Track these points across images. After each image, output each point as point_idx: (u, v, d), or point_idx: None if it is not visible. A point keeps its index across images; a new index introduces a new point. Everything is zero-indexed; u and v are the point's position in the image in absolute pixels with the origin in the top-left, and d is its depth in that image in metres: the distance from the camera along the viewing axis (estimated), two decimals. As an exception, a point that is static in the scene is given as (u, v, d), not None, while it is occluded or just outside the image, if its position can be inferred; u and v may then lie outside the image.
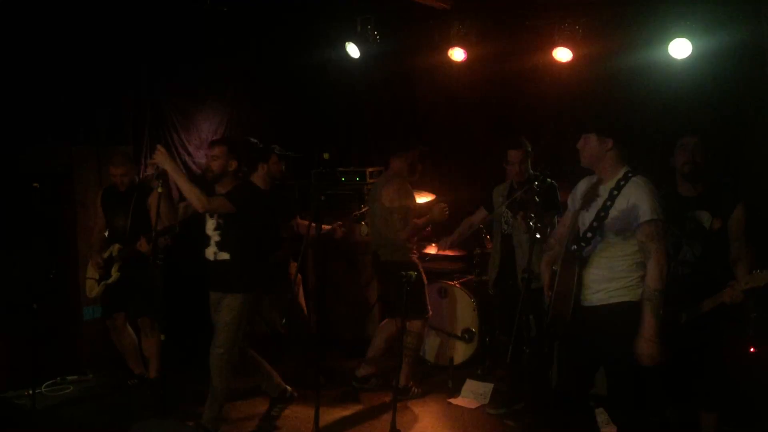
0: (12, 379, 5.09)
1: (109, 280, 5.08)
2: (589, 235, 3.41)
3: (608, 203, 3.37)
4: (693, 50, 5.13)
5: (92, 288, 5.18)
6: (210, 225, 4.42)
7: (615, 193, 3.37)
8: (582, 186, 3.65)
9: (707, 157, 3.86)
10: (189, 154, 6.56)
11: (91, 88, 5.61)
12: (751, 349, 4.41)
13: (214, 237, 4.39)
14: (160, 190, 4.21)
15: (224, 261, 4.35)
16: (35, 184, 4.90)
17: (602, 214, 3.37)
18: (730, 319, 3.78)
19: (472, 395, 5.13)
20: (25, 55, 5.19)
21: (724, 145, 5.18)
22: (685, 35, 5.12)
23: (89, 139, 5.73)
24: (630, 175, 3.40)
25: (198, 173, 6.61)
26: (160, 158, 4.15)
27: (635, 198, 3.31)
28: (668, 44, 5.20)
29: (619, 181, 3.40)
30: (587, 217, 3.48)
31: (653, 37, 5.28)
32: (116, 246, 5.08)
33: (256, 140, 5.11)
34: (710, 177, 3.91)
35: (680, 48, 5.17)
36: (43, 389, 5.20)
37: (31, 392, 4.71)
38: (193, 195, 4.19)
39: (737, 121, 5.17)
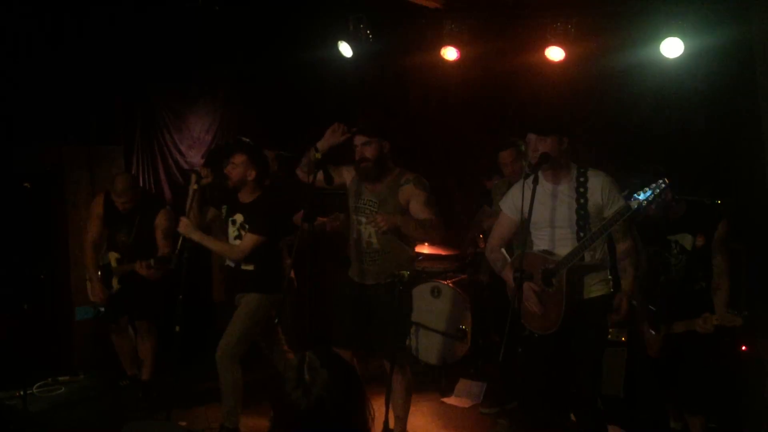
0: (3, 379, 5.04)
1: (110, 291, 4.99)
2: (581, 234, 3.41)
3: (581, 201, 3.40)
4: (684, 49, 5.15)
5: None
6: (231, 233, 4.38)
7: (581, 190, 3.40)
8: (518, 192, 3.57)
9: (672, 198, 3.87)
10: (181, 153, 6.54)
11: (82, 87, 5.56)
12: (743, 348, 4.42)
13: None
14: (195, 187, 4.22)
15: (248, 271, 4.30)
16: (26, 184, 4.87)
17: (582, 212, 3.39)
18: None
19: (465, 394, 5.14)
20: (15, 54, 5.16)
21: (714, 143, 5.23)
22: (677, 34, 5.14)
23: (80, 138, 5.70)
24: (582, 170, 3.46)
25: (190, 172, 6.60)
26: (185, 230, 4.16)
27: (607, 190, 3.41)
28: (660, 43, 5.21)
29: (578, 178, 3.43)
30: (553, 221, 3.48)
31: (645, 36, 5.29)
32: (114, 255, 4.99)
33: (248, 140, 5.08)
34: (691, 198, 3.97)
35: (672, 47, 5.19)
36: (34, 390, 5.17)
37: (22, 393, 4.68)
38: (226, 251, 4.29)
39: (728, 119, 5.19)
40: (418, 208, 3.85)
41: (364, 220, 3.94)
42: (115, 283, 4.99)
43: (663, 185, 3.24)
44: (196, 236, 4.18)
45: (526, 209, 3.32)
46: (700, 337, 3.79)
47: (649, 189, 3.23)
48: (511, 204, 3.66)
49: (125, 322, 5.17)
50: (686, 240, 3.89)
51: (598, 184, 3.41)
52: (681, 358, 3.93)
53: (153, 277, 4.77)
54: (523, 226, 3.45)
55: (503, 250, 3.76)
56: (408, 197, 3.88)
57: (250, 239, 4.20)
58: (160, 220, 4.92)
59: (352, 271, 4.09)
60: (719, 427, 4.15)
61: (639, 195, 3.25)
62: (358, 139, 3.92)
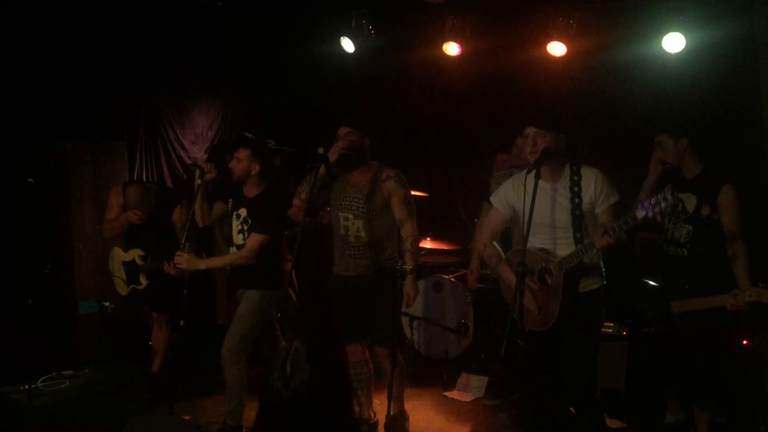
0: (8, 374, 5.08)
1: (140, 287, 5.03)
2: (578, 235, 3.42)
3: (576, 200, 3.41)
4: (687, 44, 5.15)
5: (120, 287, 5.13)
6: (235, 227, 4.38)
7: (576, 189, 3.41)
8: (509, 187, 3.61)
9: (676, 153, 3.93)
10: (184, 149, 6.57)
11: (86, 83, 5.59)
12: (744, 342, 4.43)
13: (238, 240, 4.35)
14: (199, 182, 4.23)
15: (248, 266, 4.29)
16: (30, 180, 4.89)
17: (577, 212, 3.40)
18: (723, 313, 3.77)
19: (467, 388, 5.17)
20: (19, 50, 5.18)
21: (716, 138, 5.23)
22: (679, 29, 5.13)
23: (84, 134, 5.73)
24: (575, 167, 3.45)
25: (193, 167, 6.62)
26: (189, 264, 4.17)
27: (600, 184, 3.40)
28: (662, 38, 5.21)
29: (572, 176, 3.44)
30: (552, 221, 3.47)
31: (647, 32, 5.29)
32: (137, 252, 5.02)
33: (251, 135, 5.10)
34: (707, 160, 3.95)
35: (674, 42, 5.18)
36: (38, 384, 5.21)
37: (26, 387, 4.71)
38: (235, 260, 4.27)
39: (730, 114, 5.19)
40: (397, 204, 4.08)
41: (351, 216, 4.11)
42: (143, 279, 5.01)
43: (670, 196, 3.06)
44: (203, 265, 4.28)
45: (527, 206, 3.30)
46: (703, 329, 3.80)
47: (655, 199, 3.07)
48: (502, 198, 3.65)
49: (149, 309, 5.20)
50: (688, 200, 3.88)
51: (591, 180, 3.41)
52: (685, 352, 3.93)
53: (182, 275, 4.77)
54: (522, 222, 3.44)
55: (496, 244, 3.75)
56: (390, 192, 4.08)
57: (255, 240, 4.19)
58: (177, 217, 4.95)
59: (337, 267, 4.27)
60: (726, 421, 4.17)
61: (645, 204, 3.10)
62: (342, 129, 4.08)
